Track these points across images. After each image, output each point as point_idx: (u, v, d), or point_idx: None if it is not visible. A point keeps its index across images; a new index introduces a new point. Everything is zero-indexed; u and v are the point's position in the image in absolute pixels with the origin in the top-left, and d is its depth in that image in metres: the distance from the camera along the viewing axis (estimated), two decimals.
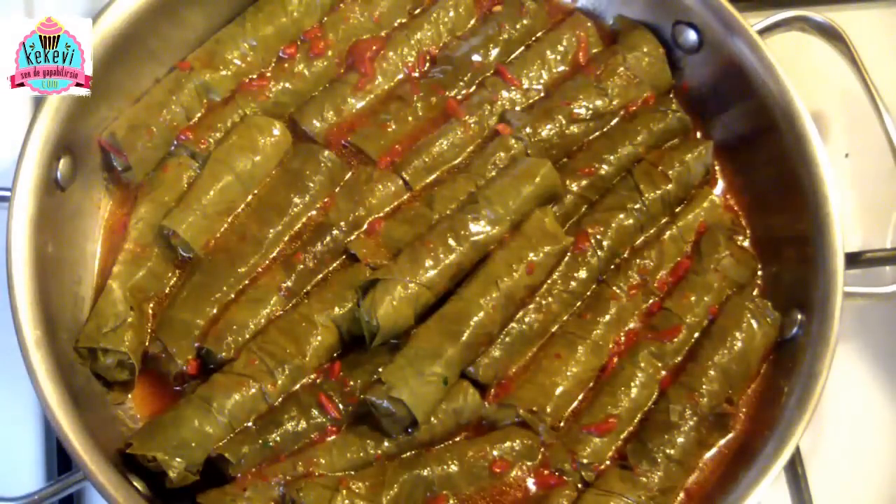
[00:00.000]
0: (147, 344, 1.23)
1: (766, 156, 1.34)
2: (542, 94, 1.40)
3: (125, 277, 1.24)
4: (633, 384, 1.24)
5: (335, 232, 1.28)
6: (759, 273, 1.33)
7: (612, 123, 1.39)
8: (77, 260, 1.26)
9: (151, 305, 1.26)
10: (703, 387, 1.22)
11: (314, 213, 1.30)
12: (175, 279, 1.28)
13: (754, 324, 1.26)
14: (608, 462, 1.21)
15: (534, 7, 1.43)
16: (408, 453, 1.19)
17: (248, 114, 1.33)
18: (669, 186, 1.33)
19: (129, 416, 1.23)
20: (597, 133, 1.38)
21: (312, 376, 1.22)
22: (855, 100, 1.37)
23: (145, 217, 1.28)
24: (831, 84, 1.50)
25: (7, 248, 1.15)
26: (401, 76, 1.40)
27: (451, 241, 1.24)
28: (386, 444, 1.18)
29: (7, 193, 1.17)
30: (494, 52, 1.41)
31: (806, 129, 1.28)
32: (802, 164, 1.27)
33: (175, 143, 1.32)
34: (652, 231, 1.34)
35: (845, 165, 1.52)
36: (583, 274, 1.29)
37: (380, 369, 1.18)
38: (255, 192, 1.31)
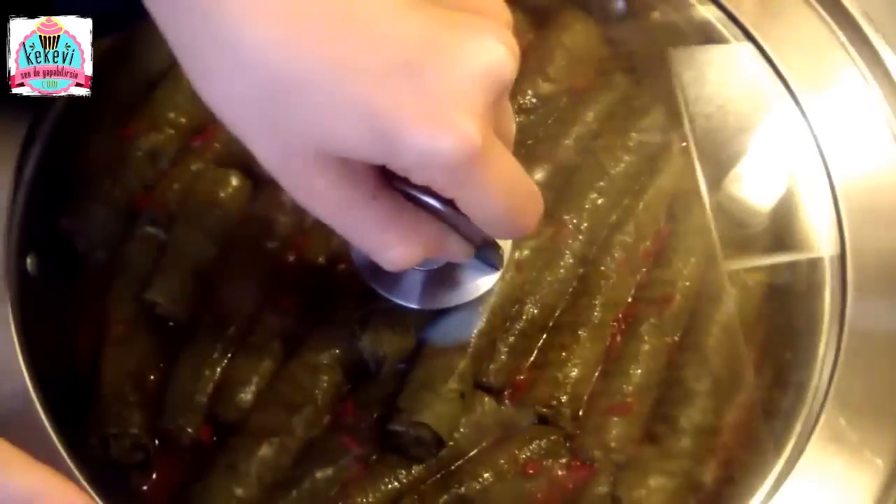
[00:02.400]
0: (155, 420, 1.21)
1: None
2: None
3: (118, 359, 1.21)
4: (640, 359, 1.23)
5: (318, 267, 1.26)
6: None
7: (562, 105, 1.39)
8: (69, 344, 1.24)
9: (152, 378, 1.23)
10: (710, 346, 1.23)
11: (290, 254, 1.28)
12: (168, 349, 1.25)
13: (745, 277, 1.27)
14: (636, 440, 1.20)
15: None
16: (439, 474, 1.17)
17: (202, 168, 1.31)
18: (631, 158, 1.34)
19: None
20: (549, 120, 1.38)
21: (328, 418, 1.20)
22: None
23: (123, 294, 1.25)
24: None
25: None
26: None
27: None
28: (415, 469, 1.16)
29: None
30: None
31: None
32: None
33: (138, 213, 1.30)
34: (624, 204, 1.33)
35: None
36: (569, 260, 1.28)
37: (398, 398, 1.17)
38: (226, 245, 1.29)
